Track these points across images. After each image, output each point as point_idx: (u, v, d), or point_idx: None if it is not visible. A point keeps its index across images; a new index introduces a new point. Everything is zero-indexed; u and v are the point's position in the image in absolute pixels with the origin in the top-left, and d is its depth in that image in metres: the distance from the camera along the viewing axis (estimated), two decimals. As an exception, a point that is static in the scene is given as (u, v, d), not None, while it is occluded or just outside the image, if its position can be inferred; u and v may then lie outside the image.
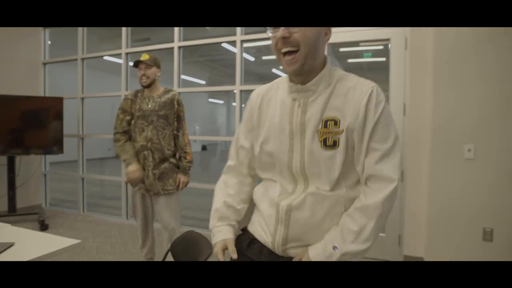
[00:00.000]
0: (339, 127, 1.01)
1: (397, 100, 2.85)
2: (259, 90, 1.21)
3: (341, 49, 7.21)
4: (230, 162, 1.28)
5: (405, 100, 2.82)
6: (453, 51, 2.56)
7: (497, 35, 2.44)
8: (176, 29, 3.80)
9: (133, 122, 2.55)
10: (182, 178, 2.52)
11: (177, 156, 2.57)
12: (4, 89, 4.18)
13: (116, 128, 2.58)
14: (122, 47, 4.12)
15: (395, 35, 2.86)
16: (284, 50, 1.00)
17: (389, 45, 2.91)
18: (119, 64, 4.22)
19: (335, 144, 1.01)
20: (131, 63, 2.66)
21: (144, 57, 2.53)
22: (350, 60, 10.08)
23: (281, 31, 0.98)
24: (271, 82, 1.21)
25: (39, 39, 4.76)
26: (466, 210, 2.57)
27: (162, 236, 2.58)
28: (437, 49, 2.61)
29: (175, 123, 2.55)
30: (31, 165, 4.65)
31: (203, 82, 13.56)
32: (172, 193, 2.50)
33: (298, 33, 0.98)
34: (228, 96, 13.84)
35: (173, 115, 2.54)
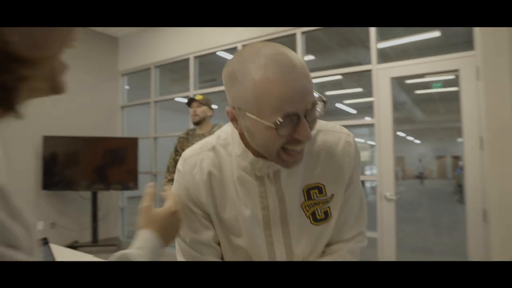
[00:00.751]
0: (325, 194, 0.83)
1: (472, 133, 2.64)
2: (193, 161, 0.85)
3: (407, 81, 6.97)
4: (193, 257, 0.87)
5: (481, 133, 2.59)
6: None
7: None
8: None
9: None
10: None
11: None
12: (87, 131, 4.65)
13: (168, 169, 2.81)
14: (190, 88, 4.41)
15: (464, 65, 2.70)
16: (299, 147, 0.71)
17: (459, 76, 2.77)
18: (188, 105, 4.51)
19: (327, 216, 0.84)
20: (184, 100, 2.92)
21: (198, 97, 2.76)
22: (418, 92, 9.71)
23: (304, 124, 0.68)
24: (200, 153, 0.86)
25: (118, 85, 5.26)
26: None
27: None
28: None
29: None
30: (111, 199, 5.03)
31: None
32: None
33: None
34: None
35: None
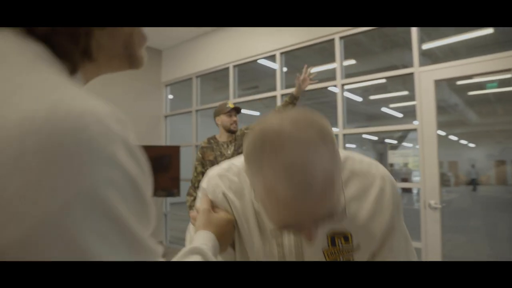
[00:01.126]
0: (351, 244, 0.76)
1: None
2: (216, 182, 0.82)
3: (459, 83, 6.59)
4: None
5: None
6: None
7: None
8: (278, 77, 3.96)
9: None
10: None
11: None
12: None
13: (192, 182, 2.78)
14: (230, 97, 4.44)
15: None
16: None
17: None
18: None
19: None
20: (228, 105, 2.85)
21: (231, 105, 2.75)
22: (471, 93, 9.16)
23: None
24: (225, 175, 0.83)
25: (162, 95, 5.42)
26: None
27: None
28: None
29: None
30: (155, 205, 5.17)
31: (311, 123, 13.67)
32: None
33: None
34: (336, 138, 13.64)
35: None
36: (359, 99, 9.10)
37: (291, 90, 3.91)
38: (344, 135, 3.47)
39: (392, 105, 10.39)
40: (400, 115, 11.70)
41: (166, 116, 5.41)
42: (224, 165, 0.86)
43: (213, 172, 0.85)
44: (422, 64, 2.93)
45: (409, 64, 3.02)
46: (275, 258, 0.77)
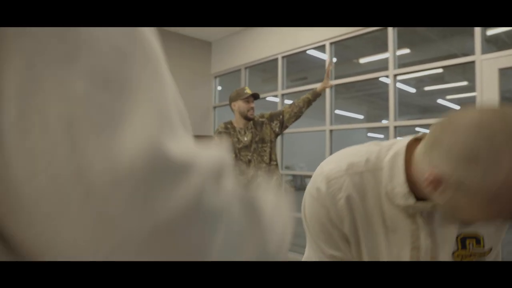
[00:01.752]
0: (483, 247, 0.72)
1: None
2: (340, 182, 0.75)
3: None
4: None
5: None
6: None
7: None
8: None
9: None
10: None
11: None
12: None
13: None
14: (278, 88, 4.42)
15: None
16: None
17: None
18: (277, 103, 4.54)
19: None
20: (247, 92, 2.79)
21: (249, 91, 2.73)
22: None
23: None
24: (346, 175, 0.76)
25: (211, 86, 5.52)
26: None
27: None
28: None
29: (272, 136, 2.73)
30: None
31: (361, 116, 13.30)
32: None
33: None
34: (387, 130, 13.22)
35: (266, 133, 2.71)
36: (412, 90, 8.70)
37: (341, 81, 3.84)
38: (396, 127, 3.34)
39: (449, 97, 9.83)
40: (457, 107, 11.04)
41: (215, 107, 5.51)
42: (342, 165, 0.77)
43: (332, 174, 0.76)
44: (485, 51, 2.72)
45: (471, 52, 2.82)
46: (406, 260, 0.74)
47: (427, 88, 8.96)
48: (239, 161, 2.67)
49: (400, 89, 3.39)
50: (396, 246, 0.73)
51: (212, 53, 5.50)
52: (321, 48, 4.00)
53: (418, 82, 8.03)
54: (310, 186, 0.79)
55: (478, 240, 0.72)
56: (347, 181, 0.74)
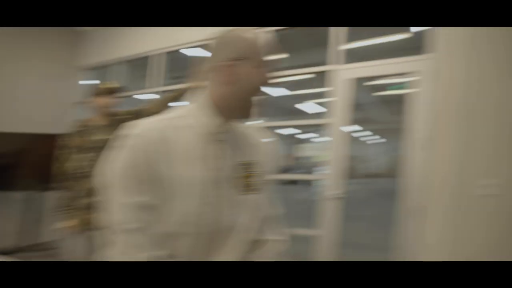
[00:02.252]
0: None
1: (416, 134, 2.70)
2: (149, 126, 0.86)
3: (371, 82, 7.04)
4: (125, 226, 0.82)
5: (424, 134, 2.64)
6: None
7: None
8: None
9: None
10: None
11: None
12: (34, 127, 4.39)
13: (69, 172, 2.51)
14: (151, 85, 4.29)
15: (411, 68, 2.77)
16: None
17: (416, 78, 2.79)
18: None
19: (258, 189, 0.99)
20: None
21: (111, 85, 2.63)
22: (380, 93, 9.95)
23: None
24: (156, 120, 0.89)
25: (77, 80, 5.04)
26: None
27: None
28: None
29: None
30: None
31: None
32: None
33: None
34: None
35: None
36: (282, 93, 9.40)
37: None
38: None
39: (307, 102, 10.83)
40: (316, 110, 12.21)
41: (79, 102, 5.03)
42: (150, 119, 0.89)
43: (142, 121, 0.88)
44: (341, 62, 3.11)
45: (328, 62, 3.21)
46: (212, 182, 0.88)
47: (292, 93, 9.76)
48: (89, 163, 2.39)
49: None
50: (204, 169, 0.88)
51: (82, 43, 5.03)
52: (198, 48, 4.02)
53: (290, 86, 8.66)
54: None
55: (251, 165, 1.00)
56: (157, 123, 0.89)
